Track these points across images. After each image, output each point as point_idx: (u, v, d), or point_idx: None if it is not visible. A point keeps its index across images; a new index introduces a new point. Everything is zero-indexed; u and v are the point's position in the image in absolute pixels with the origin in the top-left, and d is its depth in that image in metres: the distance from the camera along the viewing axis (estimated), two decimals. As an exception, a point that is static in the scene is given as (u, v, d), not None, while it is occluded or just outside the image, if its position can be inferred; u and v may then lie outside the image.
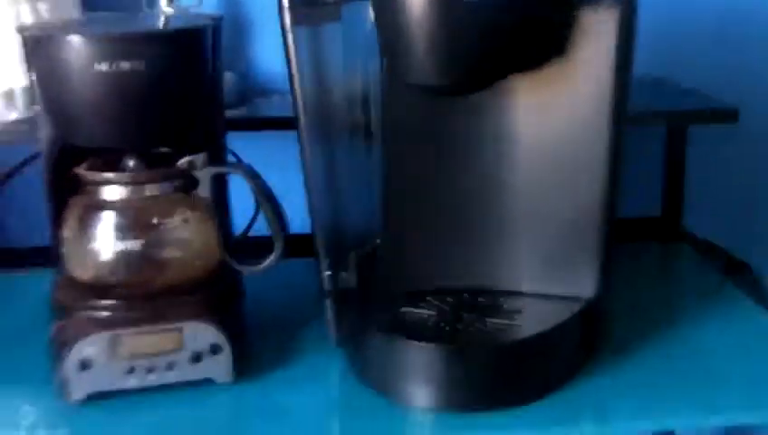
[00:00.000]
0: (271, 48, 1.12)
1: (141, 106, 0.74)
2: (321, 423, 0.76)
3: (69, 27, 0.81)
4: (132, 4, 1.04)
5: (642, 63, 0.75)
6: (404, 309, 0.79)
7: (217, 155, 0.81)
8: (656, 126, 1.07)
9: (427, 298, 0.80)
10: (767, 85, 1.18)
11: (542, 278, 0.79)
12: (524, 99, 0.76)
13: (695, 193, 1.13)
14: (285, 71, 1.06)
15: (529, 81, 0.75)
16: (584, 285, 0.77)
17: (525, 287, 0.80)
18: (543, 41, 0.73)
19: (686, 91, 1.08)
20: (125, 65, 0.72)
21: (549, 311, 0.77)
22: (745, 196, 1.23)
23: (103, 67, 0.71)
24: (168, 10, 1.05)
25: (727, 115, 1.00)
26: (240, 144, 0.88)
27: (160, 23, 0.91)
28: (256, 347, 0.81)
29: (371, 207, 0.82)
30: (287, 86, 1.04)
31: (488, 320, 0.76)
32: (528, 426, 0.72)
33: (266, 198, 0.77)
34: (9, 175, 0.93)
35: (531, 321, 0.76)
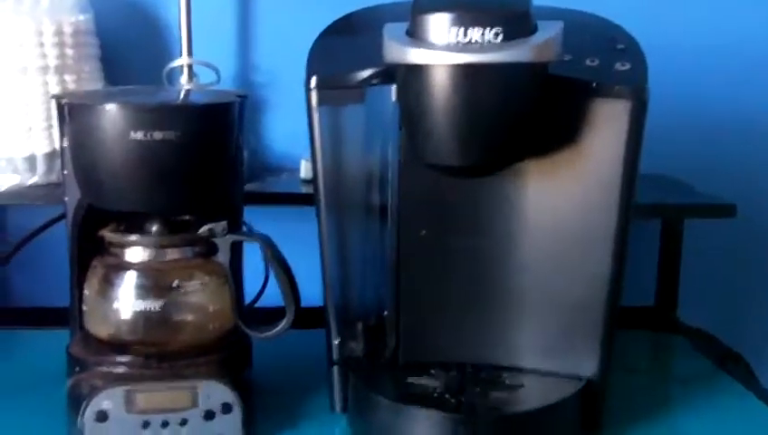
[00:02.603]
0: (280, 127, 1.18)
1: (169, 174, 0.78)
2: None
3: (103, 97, 0.85)
4: (152, 80, 1.10)
5: (643, 160, 0.78)
6: (409, 379, 0.81)
7: (235, 224, 0.84)
8: (654, 218, 1.11)
9: (432, 370, 0.82)
10: (762, 180, 1.23)
11: (545, 356, 0.81)
12: (536, 182, 0.80)
13: (689, 284, 1.17)
14: (294, 150, 1.12)
15: (541, 165, 0.79)
16: (585, 364, 0.80)
17: (528, 364, 0.82)
18: (556, 128, 0.77)
19: (683, 186, 1.13)
20: (158, 135, 0.75)
21: (550, 387, 0.79)
22: (740, 287, 1.26)
23: (138, 136, 0.75)
24: (189, 86, 1.10)
25: (725, 211, 1.04)
26: (251, 217, 0.91)
27: (183, 97, 0.95)
28: (265, 410, 0.83)
29: (381, 279, 0.85)
30: (296, 164, 1.10)
31: (491, 393, 0.79)
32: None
33: (282, 266, 0.80)
34: (32, 236, 0.96)
35: (532, 396, 0.79)
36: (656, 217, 1.11)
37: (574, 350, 0.80)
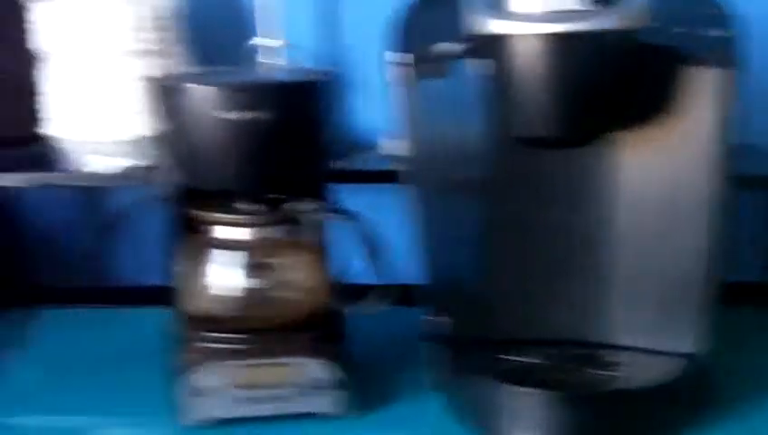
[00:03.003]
0: (368, 104, 1.18)
1: (261, 153, 0.78)
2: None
3: (196, 78, 0.86)
4: (239, 60, 1.10)
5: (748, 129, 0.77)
6: (503, 356, 0.80)
7: (326, 202, 0.85)
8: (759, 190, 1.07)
9: (527, 347, 0.81)
10: None
11: (643, 332, 0.80)
12: (628, 153, 0.78)
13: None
14: (382, 126, 1.11)
15: (633, 135, 0.77)
16: (686, 341, 0.78)
17: (626, 341, 0.81)
18: (648, 97, 0.75)
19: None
20: (250, 114, 0.76)
21: (650, 365, 0.78)
22: None
23: (230, 115, 0.76)
24: (276, 65, 1.11)
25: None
26: (342, 195, 0.91)
27: (272, 76, 0.96)
28: (361, 386, 0.83)
29: (473, 255, 0.84)
30: (383, 141, 1.10)
31: (589, 371, 0.78)
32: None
33: (373, 243, 0.81)
34: (128, 216, 0.98)
35: (633, 373, 0.77)
36: (760, 188, 1.07)
37: (674, 326, 0.78)
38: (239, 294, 0.80)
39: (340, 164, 1.06)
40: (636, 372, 0.77)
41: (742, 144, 0.76)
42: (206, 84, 0.77)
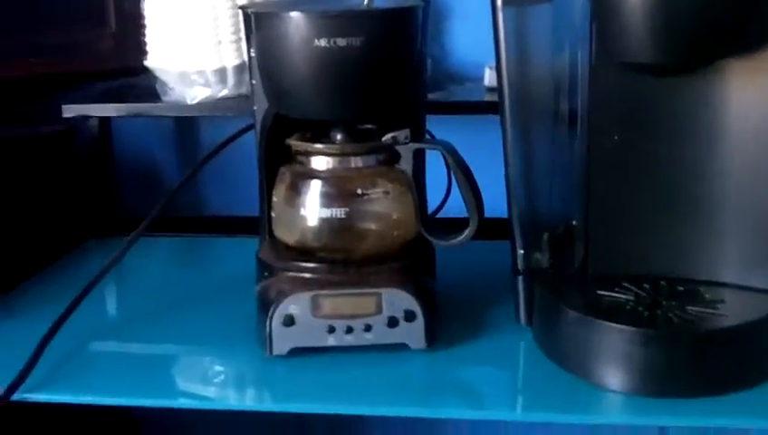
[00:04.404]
0: (464, 35, 1.15)
1: (354, 82, 0.77)
2: (509, 399, 0.77)
3: (288, 5, 0.85)
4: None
5: None
6: (599, 292, 0.78)
7: (419, 132, 0.83)
8: None
9: (624, 283, 0.79)
10: None
11: (746, 270, 0.76)
12: (738, 84, 0.74)
13: None
14: (479, 57, 1.09)
15: (744, 65, 0.73)
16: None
17: (727, 278, 0.77)
18: (758, 24, 0.71)
19: None
20: (342, 42, 0.74)
21: (752, 303, 0.74)
22: None
23: (322, 43, 0.74)
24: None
25: None
26: (435, 127, 0.90)
27: (366, 3, 0.94)
28: (448, 320, 0.82)
29: (569, 189, 0.82)
30: (479, 73, 1.07)
31: (688, 308, 0.75)
32: (727, 415, 0.70)
33: (465, 174, 0.79)
34: (222, 146, 0.99)
35: (734, 311, 0.74)
36: None
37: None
38: (328, 223, 0.79)
39: (436, 95, 1.05)
40: (735, 310, 0.74)
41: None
42: (300, 11, 0.76)
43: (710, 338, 0.72)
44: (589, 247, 0.80)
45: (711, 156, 0.76)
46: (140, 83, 1.05)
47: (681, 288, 0.78)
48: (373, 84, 0.78)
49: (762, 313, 0.73)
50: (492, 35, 0.78)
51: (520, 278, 0.82)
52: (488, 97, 1.03)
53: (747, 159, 0.75)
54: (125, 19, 1.08)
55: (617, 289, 0.78)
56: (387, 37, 0.77)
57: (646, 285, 0.78)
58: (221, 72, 1.03)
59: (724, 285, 0.78)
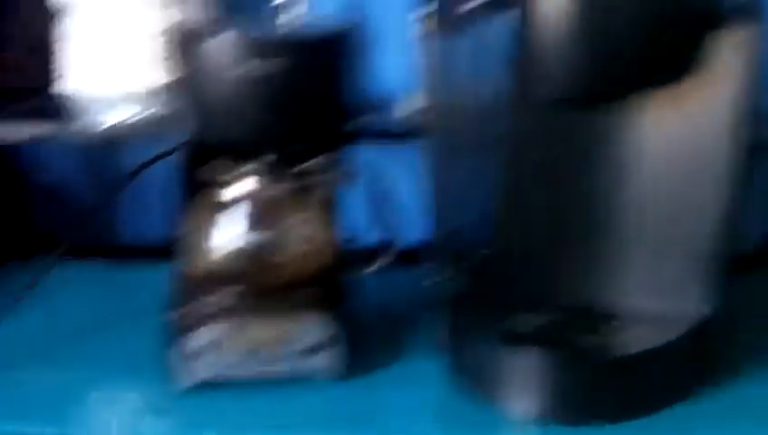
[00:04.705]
0: (390, 59, 1.16)
1: (278, 106, 0.77)
2: (422, 425, 0.76)
3: (214, 28, 0.85)
4: (259, 12, 1.09)
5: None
6: (512, 318, 0.79)
7: (341, 158, 0.83)
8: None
9: (538, 309, 0.80)
10: None
11: (656, 296, 0.78)
12: (650, 115, 0.76)
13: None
14: (402, 85, 1.09)
15: (656, 97, 0.75)
16: (696, 304, 0.76)
17: (638, 304, 0.79)
18: (673, 58, 0.72)
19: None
20: (271, 66, 0.74)
21: (660, 329, 0.76)
22: None
23: (248, 67, 0.74)
24: (299, 17, 1.09)
25: None
26: (358, 151, 0.90)
27: (293, 28, 0.94)
28: (365, 346, 0.82)
29: (487, 215, 0.83)
30: (402, 100, 1.08)
31: (596, 335, 0.76)
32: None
33: (386, 201, 0.79)
34: (139, 171, 0.97)
35: (644, 337, 0.75)
36: None
37: (686, 291, 0.76)
38: (244, 250, 0.79)
39: (358, 121, 1.05)
40: (640, 337, 0.76)
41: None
42: (224, 35, 0.76)
43: (615, 365, 0.73)
44: (504, 274, 0.81)
45: (623, 186, 0.78)
46: (54, 104, 1.03)
47: (590, 316, 0.79)
48: (296, 111, 0.78)
49: (665, 339, 0.75)
50: (415, 64, 0.79)
51: (437, 305, 0.82)
52: (409, 124, 1.03)
53: (657, 189, 0.77)
54: (36, 40, 1.06)
55: (532, 315, 0.79)
56: (311, 64, 0.77)
57: (558, 313, 0.79)
58: (143, 94, 1.01)
59: (635, 312, 0.79)
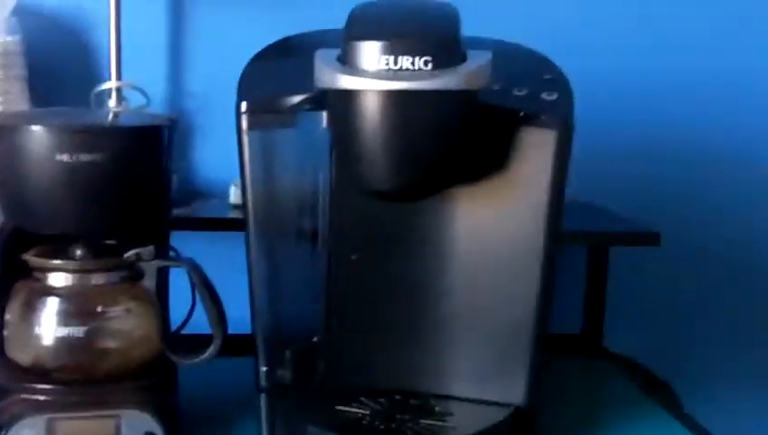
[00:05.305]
0: (211, 151, 1.17)
1: (95, 197, 0.77)
2: None
3: (29, 118, 0.84)
4: (82, 103, 1.08)
5: (570, 187, 0.80)
6: (338, 407, 0.80)
7: (163, 249, 0.83)
8: (579, 245, 1.12)
9: (362, 398, 0.82)
10: (688, 207, 1.26)
11: (475, 382, 0.82)
12: (465, 208, 0.80)
13: (615, 311, 1.18)
14: (225, 175, 1.11)
15: (470, 190, 0.80)
16: (515, 391, 0.80)
17: (458, 391, 0.82)
18: (486, 154, 0.78)
19: (609, 214, 1.15)
20: (85, 157, 0.74)
21: (480, 415, 0.79)
22: (666, 314, 1.28)
23: (64, 158, 0.74)
24: (118, 109, 1.09)
25: (649, 239, 1.06)
26: (179, 243, 0.90)
27: (111, 119, 0.94)
28: (189, 439, 0.82)
29: (311, 305, 0.85)
30: (225, 189, 1.09)
31: (420, 421, 0.79)
32: None
33: (209, 291, 0.80)
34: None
35: (462, 423, 0.78)
36: (582, 244, 1.12)
37: (503, 376, 0.80)
38: (66, 342, 0.77)
39: (181, 210, 1.05)
40: (465, 421, 0.79)
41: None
42: (41, 125, 0.75)
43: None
44: (329, 363, 0.83)
45: (441, 275, 0.82)
46: None
47: (415, 402, 0.82)
48: (116, 200, 0.78)
49: (488, 423, 0.78)
50: (239, 155, 0.80)
51: (263, 395, 0.83)
52: (233, 214, 1.05)
53: (472, 278, 0.81)
54: None
55: (354, 404, 0.81)
56: (130, 154, 0.78)
57: (381, 400, 0.82)
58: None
59: (454, 398, 0.82)
